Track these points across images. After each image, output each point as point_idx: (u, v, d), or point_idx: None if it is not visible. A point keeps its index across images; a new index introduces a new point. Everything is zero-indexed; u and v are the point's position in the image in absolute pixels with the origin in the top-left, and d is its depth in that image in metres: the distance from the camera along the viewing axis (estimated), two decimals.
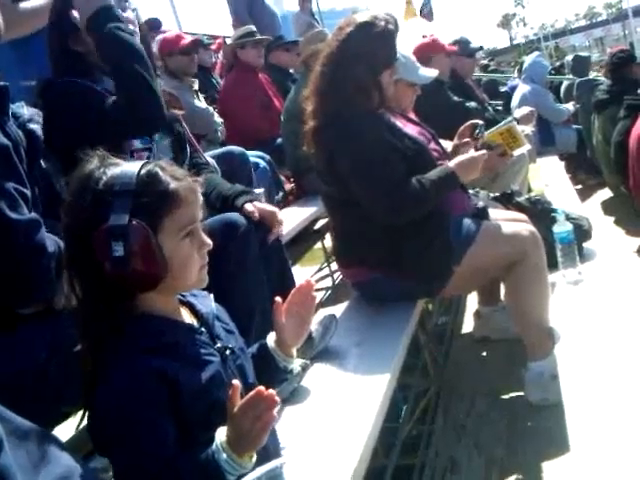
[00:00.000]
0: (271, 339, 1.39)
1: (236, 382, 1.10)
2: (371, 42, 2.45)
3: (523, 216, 2.74)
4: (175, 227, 1.16)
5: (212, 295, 1.35)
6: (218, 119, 4.18)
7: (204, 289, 1.32)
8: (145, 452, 1.09)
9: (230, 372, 1.23)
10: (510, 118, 3.34)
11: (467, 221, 2.51)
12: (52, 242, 1.49)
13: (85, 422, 1.14)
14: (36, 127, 1.70)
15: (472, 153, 2.57)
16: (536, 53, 7.32)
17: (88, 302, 1.15)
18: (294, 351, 1.40)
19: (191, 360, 1.18)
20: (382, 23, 2.47)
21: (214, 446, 1.10)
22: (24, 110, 1.71)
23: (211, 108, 4.20)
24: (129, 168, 1.15)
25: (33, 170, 1.62)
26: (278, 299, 1.35)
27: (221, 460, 1.08)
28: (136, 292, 1.16)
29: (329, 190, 2.58)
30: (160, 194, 1.14)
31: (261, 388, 1.06)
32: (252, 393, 1.07)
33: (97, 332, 1.13)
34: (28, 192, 1.49)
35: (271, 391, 1.06)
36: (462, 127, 2.85)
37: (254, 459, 1.11)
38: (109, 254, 1.10)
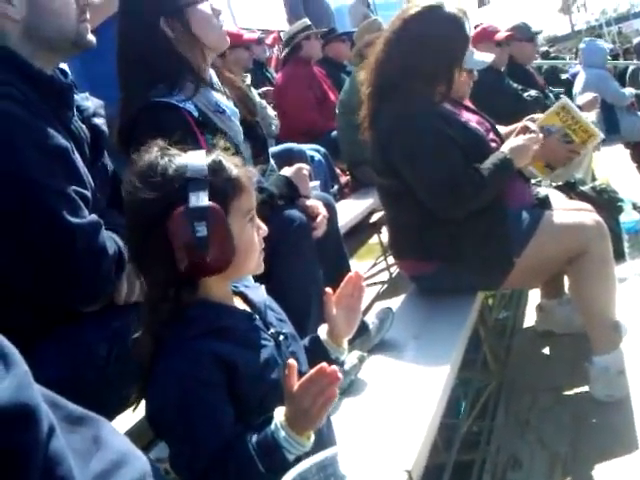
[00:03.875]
0: (322, 331, 1.38)
1: (292, 361, 1.10)
2: (454, 35, 2.45)
3: (588, 205, 2.64)
4: (240, 212, 1.19)
5: (263, 286, 1.36)
6: (272, 112, 4.19)
7: (260, 281, 1.32)
8: (204, 434, 1.10)
9: (284, 357, 1.23)
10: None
11: (528, 211, 2.43)
12: (112, 243, 1.49)
13: (143, 412, 1.16)
14: (101, 122, 1.68)
15: (523, 137, 2.49)
16: (588, 39, 7.13)
17: (156, 289, 1.16)
18: (345, 343, 1.39)
19: (247, 344, 1.19)
20: (463, 18, 2.45)
21: (272, 425, 1.10)
22: (89, 103, 1.67)
23: (264, 102, 4.21)
24: (195, 156, 1.18)
25: (96, 165, 1.62)
26: (328, 290, 1.35)
27: (280, 438, 1.09)
28: (201, 277, 1.17)
29: (383, 181, 2.55)
30: (227, 180, 1.18)
31: (324, 364, 1.07)
32: (314, 370, 1.07)
33: (161, 318, 1.15)
34: (88, 193, 1.48)
35: (334, 367, 1.06)
36: (518, 127, 2.72)
37: (312, 439, 1.11)
38: (192, 234, 1.11)
